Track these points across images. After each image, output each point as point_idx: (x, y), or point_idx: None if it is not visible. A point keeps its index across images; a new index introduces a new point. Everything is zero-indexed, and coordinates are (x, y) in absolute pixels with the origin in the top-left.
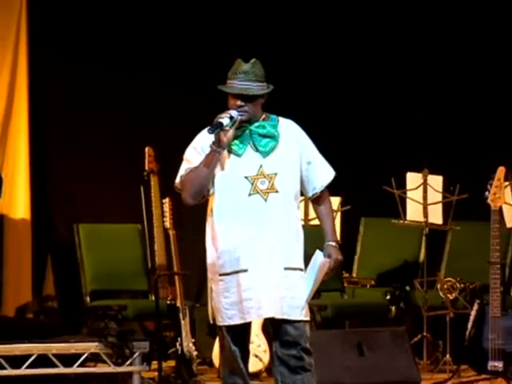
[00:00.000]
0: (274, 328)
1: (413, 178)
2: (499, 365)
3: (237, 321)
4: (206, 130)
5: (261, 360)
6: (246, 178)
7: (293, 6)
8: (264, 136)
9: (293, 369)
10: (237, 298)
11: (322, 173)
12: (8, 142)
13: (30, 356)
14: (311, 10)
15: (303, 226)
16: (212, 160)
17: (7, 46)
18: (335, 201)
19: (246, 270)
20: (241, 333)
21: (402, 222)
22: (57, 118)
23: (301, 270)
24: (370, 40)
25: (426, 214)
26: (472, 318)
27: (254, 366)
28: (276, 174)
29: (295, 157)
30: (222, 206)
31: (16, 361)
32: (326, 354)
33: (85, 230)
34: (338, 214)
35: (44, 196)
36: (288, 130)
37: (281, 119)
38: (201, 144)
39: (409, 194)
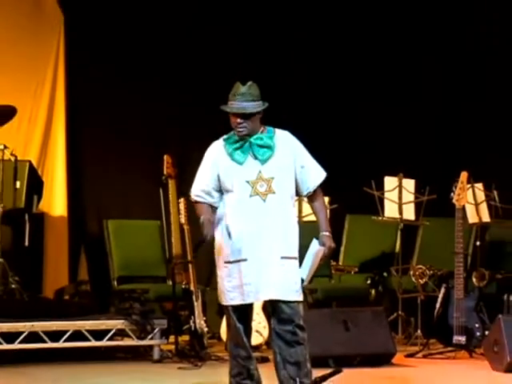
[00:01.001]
0: (272, 307)
1: (390, 181)
2: (462, 339)
3: (237, 302)
4: (219, 140)
5: (261, 335)
6: (247, 182)
7: (291, 6)
8: (262, 146)
9: (289, 342)
10: (238, 283)
11: (314, 174)
12: (48, 152)
13: (66, 331)
14: (308, 11)
15: (298, 222)
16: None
17: (48, 64)
18: (324, 200)
19: (245, 260)
20: (244, 312)
21: (380, 218)
22: (90, 129)
23: (295, 258)
24: (355, 52)
25: (400, 212)
26: (439, 299)
27: (256, 339)
28: (273, 178)
29: (289, 163)
30: (228, 206)
31: (55, 336)
32: (317, 330)
33: (113, 225)
34: (328, 211)
35: (78, 197)
36: (283, 140)
37: (277, 131)
38: (212, 159)
39: (386, 194)
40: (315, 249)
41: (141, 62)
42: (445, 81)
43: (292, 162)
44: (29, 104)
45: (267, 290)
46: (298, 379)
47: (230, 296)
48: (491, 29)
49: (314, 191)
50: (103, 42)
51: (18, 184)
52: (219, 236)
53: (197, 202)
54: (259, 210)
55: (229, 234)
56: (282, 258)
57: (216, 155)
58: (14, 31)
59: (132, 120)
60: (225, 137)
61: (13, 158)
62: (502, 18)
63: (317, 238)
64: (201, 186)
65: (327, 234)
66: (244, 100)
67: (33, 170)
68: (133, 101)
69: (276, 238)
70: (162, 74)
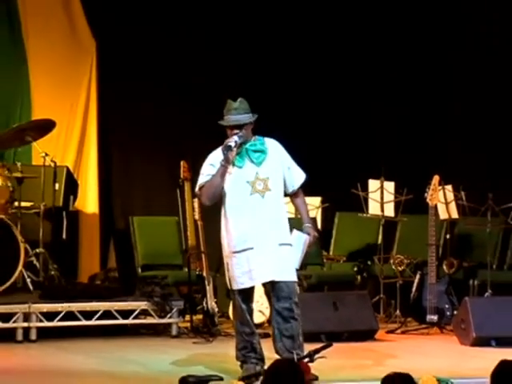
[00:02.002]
0: (272, 287)
1: (373, 184)
2: (435, 318)
3: (247, 285)
4: (219, 149)
5: (263, 314)
6: (248, 182)
7: (285, 11)
8: (256, 151)
9: (285, 318)
10: (246, 269)
11: (298, 175)
12: (82, 158)
13: (98, 311)
14: (300, 18)
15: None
16: (222, 172)
17: (82, 83)
18: (317, 200)
19: (252, 248)
20: (247, 295)
21: (365, 215)
22: (118, 139)
23: (289, 245)
24: (338, 56)
25: (382, 210)
26: (415, 284)
27: (259, 318)
28: (268, 178)
29: (278, 165)
30: (232, 203)
31: (88, 315)
32: (311, 310)
33: (137, 221)
34: (320, 209)
35: (108, 197)
36: (272, 146)
37: (266, 139)
38: (214, 161)
39: (370, 195)
40: (302, 239)
41: (162, 81)
42: (425, 89)
43: (280, 164)
44: (66, 118)
45: (270, 273)
46: (294, 351)
47: (240, 281)
48: (491, 29)
49: (297, 189)
50: (130, 64)
51: (56, 186)
52: (224, 231)
53: (202, 188)
54: (259, 205)
55: (235, 228)
56: (280, 244)
57: (216, 158)
58: (53, 55)
59: (154, 131)
60: (222, 146)
61: (53, 164)
62: (502, 18)
63: (298, 230)
64: (203, 179)
65: (310, 225)
66: (237, 113)
67: (69, 174)
68: (155, 114)
69: (274, 228)
70: (180, 92)
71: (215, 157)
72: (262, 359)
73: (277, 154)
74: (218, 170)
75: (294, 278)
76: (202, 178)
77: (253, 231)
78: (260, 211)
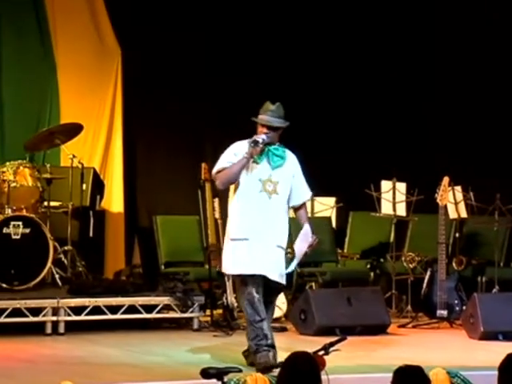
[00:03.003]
0: (265, 282)
1: (385, 184)
2: (444, 313)
3: (247, 271)
4: (244, 141)
5: (281, 309)
6: (260, 180)
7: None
8: (276, 155)
9: (269, 309)
10: (246, 256)
11: (305, 193)
12: (108, 160)
13: (123, 306)
14: (301, 22)
15: (311, 219)
16: (243, 164)
17: (108, 89)
18: (332, 200)
19: (247, 239)
20: (255, 281)
21: (378, 214)
22: (142, 142)
23: (284, 250)
24: (354, 56)
25: (394, 209)
26: (426, 280)
27: (277, 313)
28: (278, 182)
29: (291, 176)
30: (242, 194)
31: (113, 309)
32: (326, 305)
33: (160, 220)
34: (334, 209)
35: (133, 197)
36: (291, 158)
37: (287, 150)
38: (237, 151)
39: (383, 195)
40: (309, 236)
41: (184, 86)
42: (436, 92)
43: (292, 175)
44: (93, 122)
45: (265, 268)
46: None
47: (240, 265)
48: (491, 29)
49: (301, 204)
50: (153, 69)
51: (84, 186)
52: (231, 216)
53: (219, 172)
54: (265, 204)
55: (238, 217)
56: (277, 246)
57: (240, 149)
58: (80, 63)
59: (176, 134)
60: (250, 139)
61: (80, 165)
62: (502, 18)
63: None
64: (223, 164)
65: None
66: (272, 116)
67: (96, 175)
68: (177, 118)
69: (274, 229)
70: (201, 97)
71: (239, 147)
72: (273, 346)
73: (293, 166)
74: (240, 161)
75: (283, 282)
76: (222, 163)
77: (254, 226)
78: (264, 210)
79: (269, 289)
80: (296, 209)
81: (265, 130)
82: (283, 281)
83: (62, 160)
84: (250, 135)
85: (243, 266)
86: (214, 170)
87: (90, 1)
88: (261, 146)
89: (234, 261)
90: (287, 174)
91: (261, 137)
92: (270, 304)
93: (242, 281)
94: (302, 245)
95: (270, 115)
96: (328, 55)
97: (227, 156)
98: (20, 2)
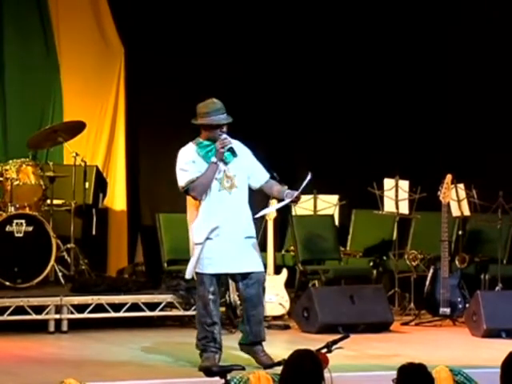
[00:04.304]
0: (241, 276)
1: (388, 182)
2: (447, 310)
3: (215, 271)
4: (188, 146)
5: (284, 307)
6: (216, 179)
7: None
8: (227, 151)
9: (254, 304)
10: (215, 255)
11: (263, 175)
12: (111, 158)
13: (125, 304)
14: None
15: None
16: (215, 169)
17: (111, 87)
18: (334, 198)
19: (218, 235)
20: (215, 282)
21: (380, 212)
22: (144, 140)
23: (254, 237)
24: (357, 54)
25: (397, 207)
26: (429, 278)
27: (279, 311)
28: (235, 176)
29: (245, 164)
30: (204, 198)
31: (116, 307)
32: (329, 303)
33: (163, 218)
34: (337, 207)
35: (135, 195)
36: (239, 147)
37: (232, 141)
38: (192, 158)
39: (385, 193)
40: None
41: (187, 85)
42: (439, 90)
43: (246, 163)
44: (95, 120)
45: (237, 264)
46: (259, 339)
47: (208, 264)
48: (491, 29)
49: (265, 182)
50: (156, 68)
51: (87, 184)
52: (195, 221)
53: (192, 183)
54: (226, 201)
55: (204, 220)
56: (246, 237)
57: (193, 156)
58: (83, 61)
59: (179, 133)
60: (196, 142)
61: (83, 163)
62: (502, 18)
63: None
64: (191, 175)
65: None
66: (222, 113)
67: (99, 173)
68: (180, 116)
69: (240, 222)
70: (204, 95)
71: (191, 154)
72: (220, 348)
73: (244, 155)
74: (212, 167)
75: (261, 268)
76: (190, 174)
77: (221, 224)
78: (227, 206)
79: (249, 280)
80: (263, 187)
81: (224, 130)
82: (261, 267)
83: (64, 158)
84: (251, 135)
85: (202, 265)
86: (184, 183)
87: (93, 0)
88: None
89: (196, 262)
90: (241, 164)
91: (227, 139)
92: (256, 298)
93: (200, 280)
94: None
95: (222, 113)
96: (331, 53)
97: (188, 166)
98: (23, 1)
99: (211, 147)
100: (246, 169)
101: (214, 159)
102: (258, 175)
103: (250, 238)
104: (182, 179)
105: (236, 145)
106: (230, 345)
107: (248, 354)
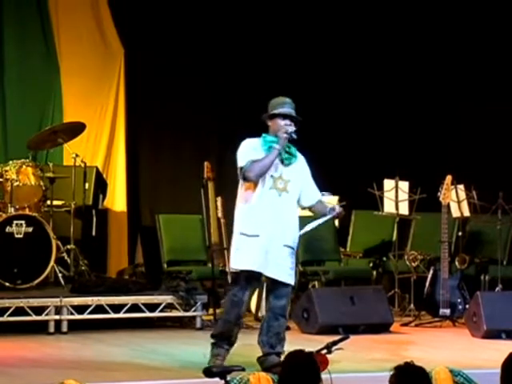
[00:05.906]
0: (272, 283)
1: (388, 183)
2: (447, 311)
3: (247, 267)
4: (254, 139)
5: None
6: (272, 176)
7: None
8: (289, 154)
9: (276, 316)
10: (254, 253)
11: (315, 192)
12: (111, 159)
13: (125, 305)
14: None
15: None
16: (275, 156)
17: (111, 89)
18: (334, 199)
19: (258, 236)
20: (250, 280)
21: (380, 213)
22: (145, 141)
23: (293, 248)
24: (355, 57)
25: (397, 208)
26: (428, 279)
27: None
28: (289, 181)
29: (301, 176)
30: (253, 190)
31: (116, 308)
32: (329, 304)
33: (163, 219)
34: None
35: (135, 196)
36: (302, 159)
37: (298, 154)
38: (254, 146)
39: (385, 194)
40: (326, 218)
41: (187, 86)
42: (439, 90)
43: (302, 176)
44: (95, 121)
45: (270, 268)
46: (275, 349)
47: (246, 261)
48: (491, 28)
49: (315, 203)
50: (156, 70)
51: (87, 185)
52: (242, 211)
53: (252, 163)
54: (275, 202)
55: (249, 213)
56: (285, 245)
57: (255, 145)
58: (83, 62)
59: (179, 133)
60: (262, 136)
61: (83, 164)
62: (502, 18)
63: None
64: (248, 158)
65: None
66: (291, 108)
67: (99, 174)
68: (180, 117)
69: (284, 227)
70: (204, 97)
71: (254, 143)
72: (232, 345)
73: (303, 166)
74: (273, 153)
75: (291, 282)
76: (249, 156)
77: (263, 223)
78: (274, 207)
79: (279, 290)
80: (313, 206)
81: (288, 122)
82: (290, 281)
83: (64, 159)
84: (252, 134)
85: (242, 262)
86: (243, 163)
87: (94, 2)
88: (288, 137)
89: (237, 256)
90: (298, 174)
91: (292, 128)
92: (280, 310)
93: (236, 278)
94: (314, 223)
95: (289, 107)
96: (333, 55)
97: (248, 151)
98: (24, 3)
99: (275, 143)
100: (301, 181)
101: (276, 146)
102: (311, 193)
103: (287, 247)
104: (242, 160)
105: (300, 155)
106: None
107: (261, 365)
